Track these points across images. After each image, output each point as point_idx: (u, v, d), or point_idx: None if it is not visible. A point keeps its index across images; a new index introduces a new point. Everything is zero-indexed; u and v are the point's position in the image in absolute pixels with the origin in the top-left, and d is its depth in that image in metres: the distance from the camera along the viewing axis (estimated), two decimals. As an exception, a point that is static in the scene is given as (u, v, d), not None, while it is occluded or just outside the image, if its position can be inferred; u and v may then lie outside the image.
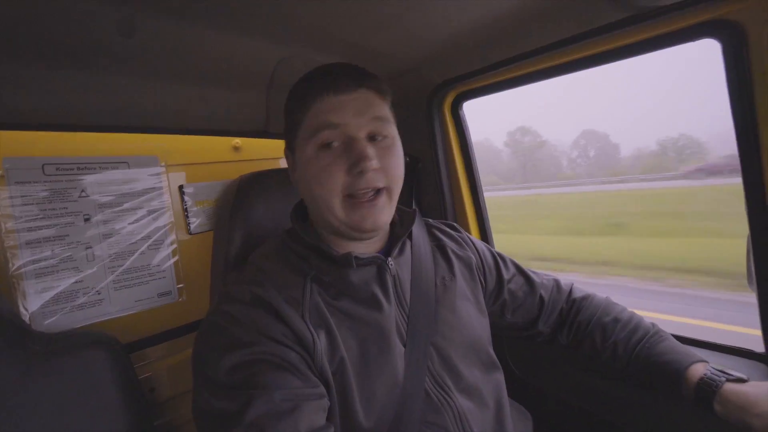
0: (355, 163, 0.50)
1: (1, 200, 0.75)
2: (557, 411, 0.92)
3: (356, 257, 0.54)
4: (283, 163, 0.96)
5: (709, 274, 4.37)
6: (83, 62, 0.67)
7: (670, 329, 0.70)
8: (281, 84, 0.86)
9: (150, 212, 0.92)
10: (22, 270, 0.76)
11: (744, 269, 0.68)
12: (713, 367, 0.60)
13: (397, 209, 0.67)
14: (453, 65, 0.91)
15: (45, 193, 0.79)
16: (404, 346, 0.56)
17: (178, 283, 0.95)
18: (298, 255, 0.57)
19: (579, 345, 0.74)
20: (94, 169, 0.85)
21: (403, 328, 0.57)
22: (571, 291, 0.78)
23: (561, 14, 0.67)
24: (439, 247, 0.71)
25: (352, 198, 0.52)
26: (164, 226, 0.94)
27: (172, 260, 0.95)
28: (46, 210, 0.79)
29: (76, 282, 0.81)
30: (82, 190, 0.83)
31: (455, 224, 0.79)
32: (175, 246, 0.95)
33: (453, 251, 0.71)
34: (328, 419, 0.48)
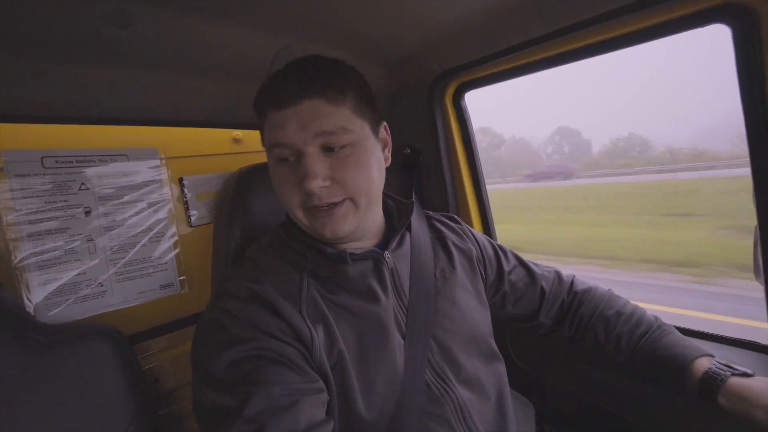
0: (302, 181, 0.49)
1: (1, 193, 0.75)
2: (560, 402, 0.92)
3: (351, 253, 0.54)
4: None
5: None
6: (81, 54, 0.66)
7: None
8: (280, 74, 0.85)
9: (150, 205, 0.92)
10: (25, 262, 0.76)
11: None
12: (718, 362, 0.59)
13: (395, 201, 0.67)
14: (455, 54, 0.88)
15: (45, 186, 0.79)
16: (403, 338, 0.55)
17: (179, 275, 0.96)
18: (294, 250, 0.57)
19: (582, 338, 0.74)
20: (93, 161, 0.85)
21: (402, 320, 0.57)
22: (572, 283, 0.77)
23: (566, 0, 0.65)
24: (440, 239, 0.70)
25: (312, 208, 0.52)
26: (165, 218, 0.94)
27: (174, 252, 0.95)
28: (46, 203, 0.79)
29: (78, 274, 0.82)
30: (82, 183, 0.83)
31: (456, 216, 0.79)
32: (176, 238, 0.95)
33: (453, 243, 0.70)
34: (327, 413, 0.48)
